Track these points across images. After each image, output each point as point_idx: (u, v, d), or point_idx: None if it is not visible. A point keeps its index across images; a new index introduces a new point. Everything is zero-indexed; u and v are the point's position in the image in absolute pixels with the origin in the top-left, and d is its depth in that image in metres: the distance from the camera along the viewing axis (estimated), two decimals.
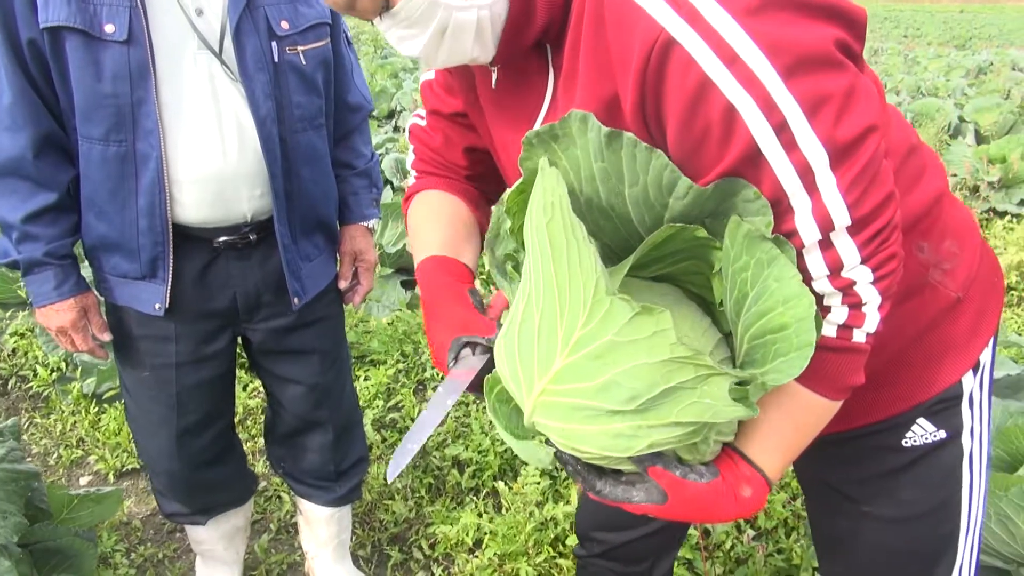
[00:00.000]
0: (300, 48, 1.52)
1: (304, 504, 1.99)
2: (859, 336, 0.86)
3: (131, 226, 1.49)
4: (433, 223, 1.15)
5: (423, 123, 1.20)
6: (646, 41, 0.77)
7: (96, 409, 2.91)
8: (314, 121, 1.60)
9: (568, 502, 2.20)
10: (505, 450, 2.50)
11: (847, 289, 0.83)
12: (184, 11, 1.42)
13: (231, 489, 1.91)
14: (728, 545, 2.17)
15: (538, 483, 2.25)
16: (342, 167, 1.76)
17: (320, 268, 1.71)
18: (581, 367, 0.77)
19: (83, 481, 2.67)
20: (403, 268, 3.72)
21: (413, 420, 2.73)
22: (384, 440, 2.66)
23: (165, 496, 1.86)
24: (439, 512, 2.31)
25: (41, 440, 2.84)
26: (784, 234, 0.80)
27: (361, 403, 2.78)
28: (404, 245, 3.63)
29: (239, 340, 1.77)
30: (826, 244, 0.81)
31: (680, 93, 0.77)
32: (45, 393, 3.08)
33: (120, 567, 2.14)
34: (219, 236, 1.55)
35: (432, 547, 2.23)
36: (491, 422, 2.60)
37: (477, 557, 2.12)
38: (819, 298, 0.83)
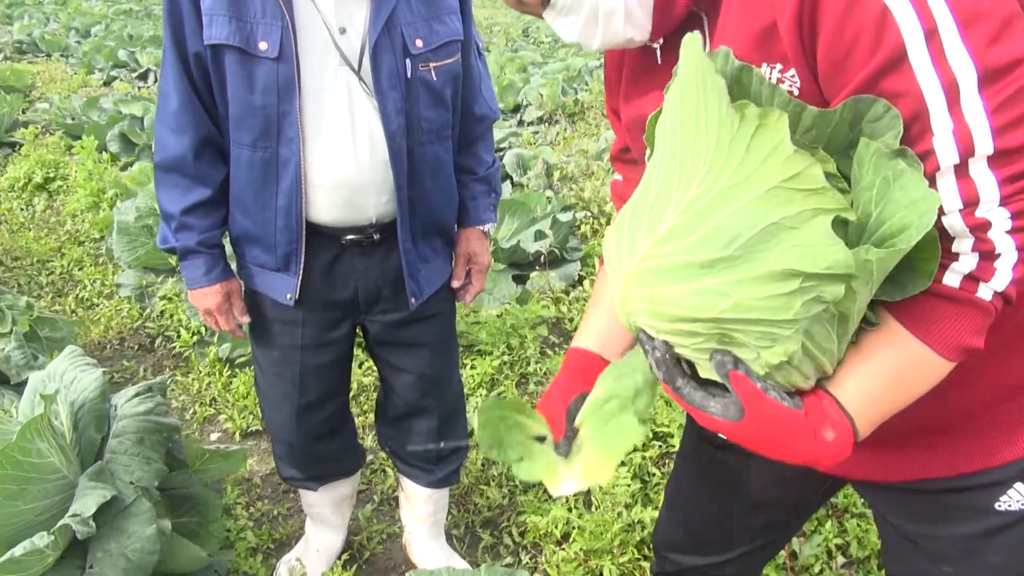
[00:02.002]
0: (432, 65, 1.63)
1: (406, 482, 2.14)
2: (985, 292, 0.80)
3: (270, 223, 1.65)
4: (600, 304, 1.16)
5: (620, 178, 1.26)
6: None
7: (228, 372, 3.19)
8: (441, 133, 1.71)
9: (656, 507, 2.26)
10: None
11: (980, 231, 0.78)
12: (329, 31, 1.56)
13: (341, 461, 2.09)
14: (817, 569, 2.17)
15: (628, 485, 2.32)
16: (464, 172, 1.87)
17: (436, 269, 1.84)
18: (688, 224, 0.76)
19: (213, 437, 2.95)
20: (515, 263, 3.84)
21: None
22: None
23: (284, 461, 2.06)
24: (531, 502, 2.42)
25: (180, 396, 3.15)
26: (919, 155, 0.76)
27: (465, 391, 2.93)
28: (518, 241, 3.74)
29: (358, 329, 1.93)
30: (963, 172, 0.76)
31: (835, 2, 0.78)
32: (186, 354, 3.40)
33: (240, 518, 2.37)
34: (347, 235, 1.69)
35: (522, 535, 2.35)
36: None
37: (564, 550, 2.21)
38: (947, 243, 0.79)
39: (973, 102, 0.74)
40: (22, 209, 5.14)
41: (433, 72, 1.63)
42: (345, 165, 1.60)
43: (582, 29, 0.95)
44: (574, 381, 1.05)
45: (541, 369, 3.13)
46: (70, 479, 1.84)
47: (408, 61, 1.59)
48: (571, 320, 3.53)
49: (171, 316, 3.63)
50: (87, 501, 1.73)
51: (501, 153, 5.39)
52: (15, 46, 11.63)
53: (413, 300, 1.77)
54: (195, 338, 3.38)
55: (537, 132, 6.78)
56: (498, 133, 5.88)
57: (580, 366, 1.08)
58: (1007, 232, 0.77)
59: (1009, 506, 1.03)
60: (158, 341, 3.56)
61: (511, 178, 5.00)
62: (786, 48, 0.83)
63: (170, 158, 1.64)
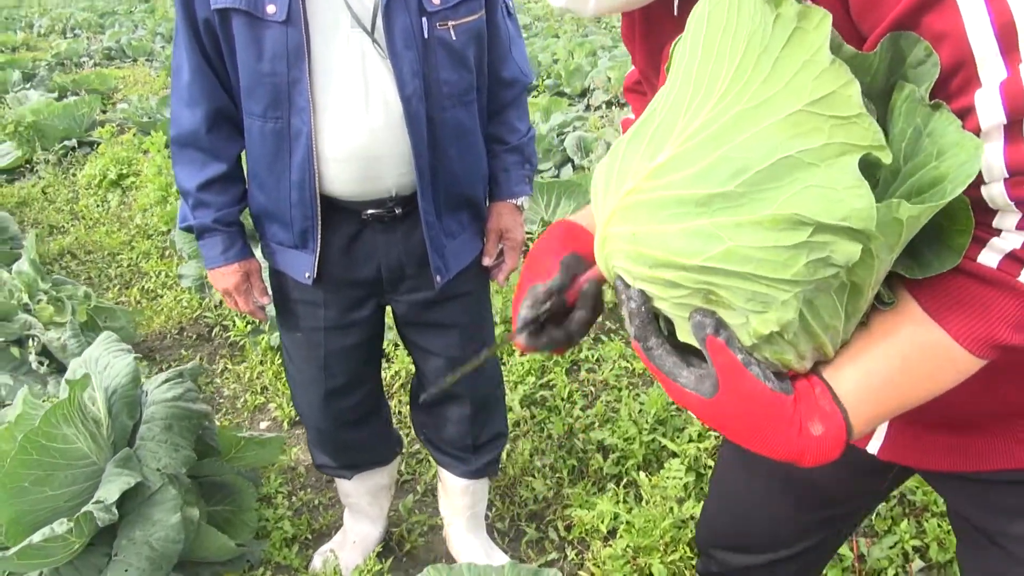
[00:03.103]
0: (451, 23, 1.52)
1: (443, 472, 2.05)
2: None
3: (285, 198, 1.58)
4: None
5: (633, 116, 1.13)
6: None
7: (279, 361, 3.17)
8: (464, 97, 1.60)
9: None
10: (652, 440, 2.42)
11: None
12: None
13: (374, 450, 2.01)
14: (891, 573, 1.98)
15: (681, 478, 2.17)
16: (495, 142, 1.76)
17: (464, 245, 1.73)
18: (691, 153, 0.64)
19: (263, 425, 2.93)
20: None
21: (564, 400, 2.73)
22: (533, 417, 2.67)
23: (316, 448, 1.99)
24: (578, 495, 2.29)
25: (232, 384, 3.15)
26: (960, 111, 0.63)
27: (513, 379, 2.82)
28: None
29: (387, 310, 1.84)
30: (1013, 134, 0.62)
31: None
32: (241, 342, 3.40)
33: (280, 507, 2.32)
34: (366, 209, 1.60)
35: (568, 529, 2.22)
36: (640, 409, 2.54)
37: (611, 546, 2.08)
38: (987, 216, 0.66)
39: None
40: (97, 205, 5.30)
41: (452, 31, 1.52)
42: (358, 135, 1.51)
43: None
44: (565, 240, 0.90)
45: (593, 356, 2.99)
46: (100, 465, 1.82)
47: (424, 20, 1.49)
48: None
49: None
50: (111, 488, 1.70)
51: (563, 136, 5.25)
52: (104, 52, 12.13)
53: (438, 278, 1.66)
54: (249, 327, 3.38)
55: (604, 116, 6.61)
56: (564, 117, 5.74)
57: (568, 230, 0.93)
58: None
59: None
60: (215, 330, 3.58)
61: (572, 161, 4.86)
62: None
63: (184, 132, 1.59)
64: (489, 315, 1.92)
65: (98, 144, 6.30)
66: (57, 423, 1.70)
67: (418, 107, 1.51)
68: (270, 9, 1.44)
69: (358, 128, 1.51)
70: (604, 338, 3.15)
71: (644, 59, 0.97)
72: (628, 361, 2.97)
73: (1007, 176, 0.63)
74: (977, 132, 0.62)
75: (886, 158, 0.61)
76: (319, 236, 1.60)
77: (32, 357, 2.83)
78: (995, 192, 0.64)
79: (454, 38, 1.53)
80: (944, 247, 0.66)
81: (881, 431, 0.99)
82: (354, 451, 1.96)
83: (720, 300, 0.66)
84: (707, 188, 0.62)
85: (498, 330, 3.01)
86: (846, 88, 0.58)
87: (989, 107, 0.61)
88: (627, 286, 0.72)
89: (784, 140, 0.60)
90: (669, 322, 0.74)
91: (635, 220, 0.67)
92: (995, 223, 0.66)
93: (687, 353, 0.73)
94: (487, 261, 1.80)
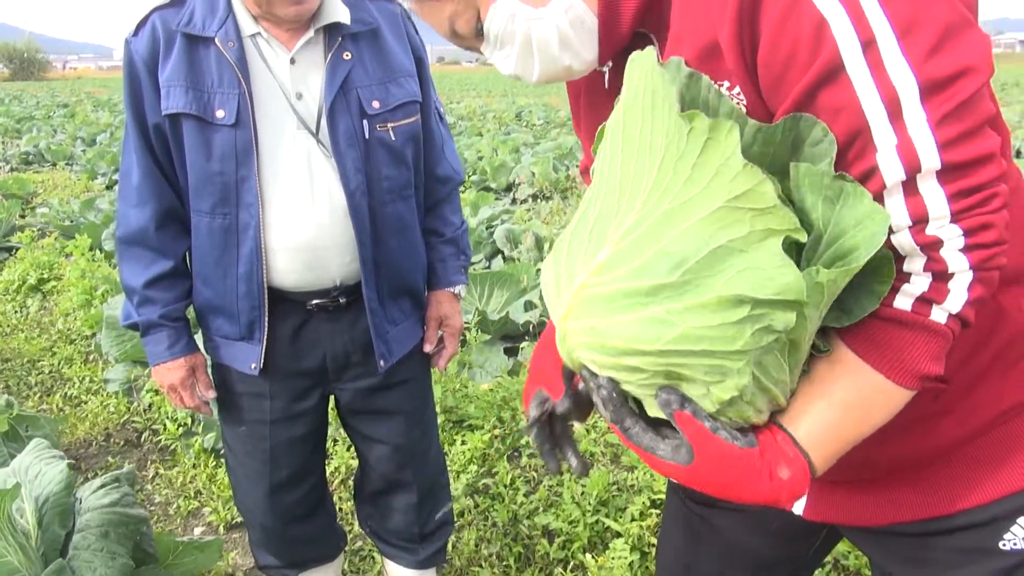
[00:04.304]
0: (390, 125, 1.63)
1: (390, 565, 2.03)
2: (938, 315, 0.75)
3: (232, 291, 1.61)
4: None
5: None
6: None
7: (214, 463, 3.08)
8: (403, 192, 1.69)
9: None
10: (596, 521, 2.45)
11: (931, 250, 0.73)
12: (286, 96, 1.55)
13: (321, 544, 1.98)
14: None
15: (626, 558, 2.19)
16: (431, 235, 1.84)
17: (406, 332, 1.79)
18: (630, 249, 0.71)
19: (197, 531, 2.82)
20: (506, 335, 3.79)
21: (507, 487, 2.74)
22: (477, 506, 2.67)
23: (260, 548, 1.95)
24: None
25: (163, 490, 3.04)
26: (864, 173, 0.73)
27: (455, 468, 2.82)
28: (508, 312, 3.70)
29: (330, 400, 1.86)
30: (911, 188, 0.72)
31: (773, 10, 0.74)
32: (172, 446, 3.30)
33: None
34: (311, 299, 1.65)
35: None
36: (583, 492, 2.57)
37: None
38: (898, 263, 0.75)
39: (916, 115, 0.70)
40: (16, 312, 5.13)
41: (392, 132, 1.62)
42: (305, 227, 1.57)
43: (518, 61, 0.92)
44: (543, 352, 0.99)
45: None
46: None
47: (365, 122, 1.59)
48: None
49: (158, 409, 3.55)
50: None
51: (492, 229, 5.41)
52: (21, 157, 11.95)
53: (382, 363, 1.71)
54: (180, 430, 3.30)
55: (530, 209, 6.84)
56: (491, 210, 5.92)
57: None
58: (959, 250, 0.73)
59: (1015, 544, 0.93)
60: (144, 435, 3.47)
61: (502, 253, 5.01)
62: (729, 64, 0.80)
63: (132, 231, 1.62)
64: (431, 401, 1.95)
65: (17, 249, 6.14)
66: None
67: (361, 201, 1.59)
68: (219, 113, 1.51)
69: (304, 221, 1.57)
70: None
71: (588, 137, 1.07)
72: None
73: (911, 224, 0.73)
74: (882, 189, 0.72)
75: (802, 237, 0.71)
76: (266, 326, 1.63)
77: None
78: (903, 240, 0.74)
79: (393, 138, 1.63)
80: (866, 293, 0.76)
81: (803, 496, 1.04)
82: (300, 547, 1.93)
83: (682, 376, 0.74)
84: (652, 280, 0.71)
85: (439, 420, 3.02)
86: (761, 186, 0.69)
87: (890, 167, 0.71)
88: (594, 375, 0.78)
89: (713, 232, 0.69)
90: (637, 400, 0.81)
91: (592, 314, 0.74)
92: (905, 267, 0.75)
93: (659, 425, 0.80)
94: (428, 348, 1.86)
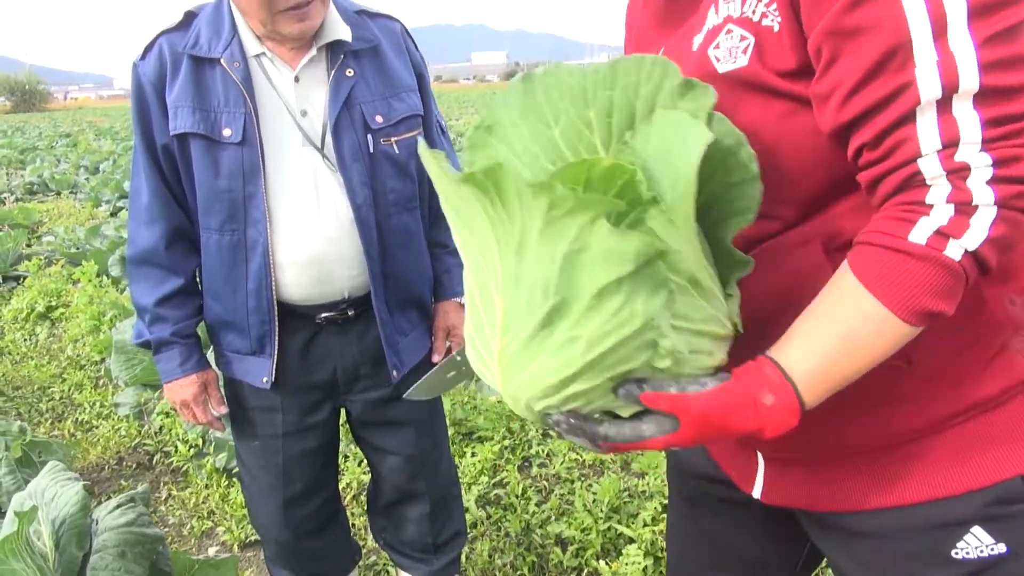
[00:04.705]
0: (393, 139, 1.65)
1: None
2: (954, 250, 0.72)
3: (242, 306, 1.63)
4: None
5: None
6: None
7: (226, 483, 3.10)
8: (408, 204, 1.71)
9: None
10: (608, 528, 2.45)
11: (958, 177, 0.71)
12: (291, 114, 1.58)
13: (335, 558, 1.99)
14: None
15: (640, 563, 2.20)
16: (436, 246, 1.86)
17: (415, 342, 1.80)
18: (512, 301, 0.74)
19: (211, 551, 2.83)
20: None
21: (518, 497, 2.75)
22: (489, 517, 2.68)
23: (274, 563, 1.96)
24: None
25: (177, 511, 3.05)
26: (897, 88, 0.71)
27: (466, 480, 2.83)
28: None
29: (341, 413, 1.87)
30: (944, 108, 0.71)
31: None
32: (184, 467, 3.32)
33: None
34: (321, 312, 1.67)
35: None
36: (594, 499, 2.58)
37: None
38: (920, 192, 0.73)
39: (961, 34, 0.69)
40: (25, 339, 5.17)
41: (395, 145, 1.65)
42: (312, 241, 1.59)
43: None
44: None
45: (543, 451, 3.03)
46: None
47: (369, 136, 1.61)
48: None
49: (169, 431, 3.57)
50: None
51: None
52: (26, 187, 12.04)
53: (395, 372, 1.72)
54: (192, 451, 3.32)
55: None
56: None
57: None
58: (987, 182, 0.71)
59: (967, 554, 0.88)
60: (156, 458, 3.49)
61: None
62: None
63: (141, 250, 1.65)
64: (441, 411, 1.97)
65: (24, 278, 6.19)
66: (6, 558, 1.65)
67: (368, 214, 1.61)
68: (226, 132, 1.54)
69: (312, 235, 1.59)
70: (552, 433, 3.20)
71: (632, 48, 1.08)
72: (578, 453, 3.02)
73: (940, 147, 0.71)
74: (915, 105, 0.71)
75: (622, 205, 0.72)
76: (276, 341, 1.65)
77: None
78: (930, 164, 0.72)
79: (397, 152, 1.66)
80: (735, 184, 0.79)
81: (760, 476, 1.03)
82: (315, 561, 1.94)
83: (622, 371, 0.76)
84: (539, 313, 0.73)
85: (449, 431, 3.04)
86: (556, 189, 0.68)
87: (927, 84, 0.70)
88: (551, 415, 0.79)
89: (552, 248, 0.70)
90: (611, 412, 0.82)
91: (520, 369, 0.77)
92: (928, 197, 0.73)
93: (637, 417, 0.80)
94: (436, 358, 1.87)
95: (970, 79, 0.69)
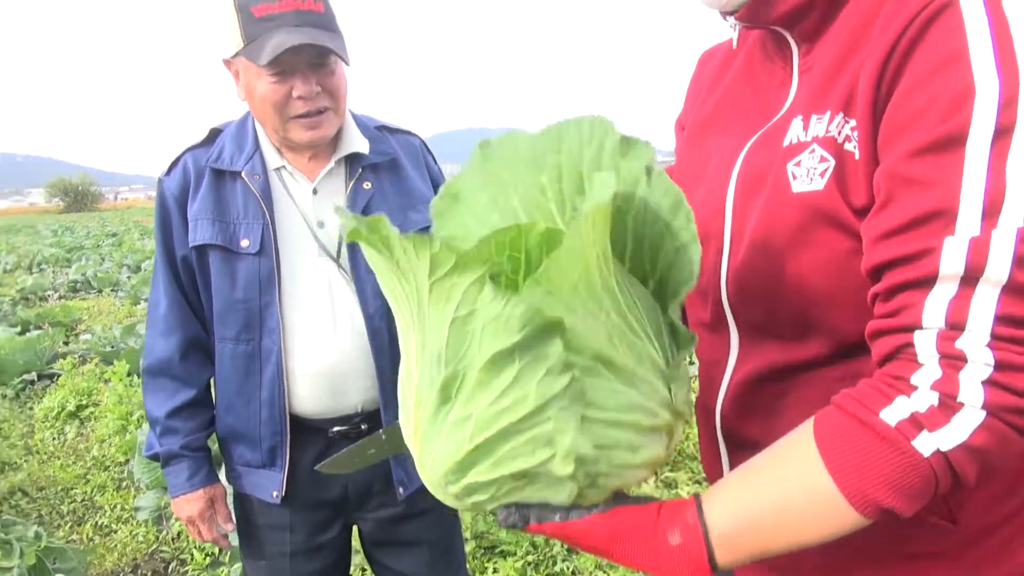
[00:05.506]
0: None
1: None
2: (924, 443, 0.64)
3: (254, 417, 1.60)
4: None
5: None
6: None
7: None
8: None
9: None
10: None
11: (951, 366, 0.65)
12: (308, 225, 1.59)
13: None
14: None
15: None
16: None
17: None
18: (421, 375, 0.70)
19: None
20: None
21: None
22: None
23: None
24: None
25: None
26: (921, 251, 0.66)
27: None
28: None
29: (354, 530, 1.80)
30: (966, 288, 0.64)
31: (928, 58, 0.67)
32: None
33: None
34: (333, 427, 1.63)
35: None
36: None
37: None
38: (909, 368, 0.67)
39: (1010, 221, 0.63)
40: (54, 438, 5.17)
41: None
42: (328, 352, 1.57)
43: None
44: None
45: (569, 568, 2.88)
46: None
47: None
48: None
49: (186, 538, 3.49)
50: None
51: None
52: (70, 285, 12.37)
53: (401, 490, 1.66)
54: (208, 559, 3.23)
55: None
56: None
57: None
58: (981, 381, 0.64)
59: None
60: (172, 566, 3.40)
61: None
62: (859, 98, 0.73)
63: (157, 361, 1.64)
64: (458, 530, 1.88)
65: (58, 376, 6.26)
66: None
67: (380, 324, 1.59)
68: (244, 243, 1.55)
69: (327, 347, 1.57)
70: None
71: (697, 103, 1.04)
72: (604, 571, 2.87)
73: (942, 326, 0.65)
74: (932, 275, 0.65)
75: (500, 267, 0.69)
76: (287, 453, 1.61)
77: None
78: (926, 341, 0.66)
79: None
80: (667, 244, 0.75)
81: None
82: None
83: (518, 468, 0.68)
84: (436, 384, 0.68)
85: (469, 547, 2.92)
86: (435, 257, 0.65)
87: (953, 256, 0.64)
88: (491, 510, 0.73)
89: (440, 316, 0.67)
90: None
91: (429, 450, 0.72)
92: (914, 377, 0.66)
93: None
94: None
95: (1000, 268, 0.63)
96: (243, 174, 1.57)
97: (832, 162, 0.75)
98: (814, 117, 0.79)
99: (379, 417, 1.63)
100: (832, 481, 0.66)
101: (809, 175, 0.77)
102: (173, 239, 1.60)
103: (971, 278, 0.64)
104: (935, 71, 0.67)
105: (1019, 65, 0.64)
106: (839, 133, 0.75)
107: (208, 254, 1.57)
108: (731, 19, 0.88)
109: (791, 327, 0.81)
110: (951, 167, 0.65)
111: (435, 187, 1.73)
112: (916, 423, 0.65)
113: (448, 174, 1.81)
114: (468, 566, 2.88)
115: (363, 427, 1.64)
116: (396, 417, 1.64)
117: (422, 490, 1.69)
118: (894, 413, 0.66)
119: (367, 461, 1.11)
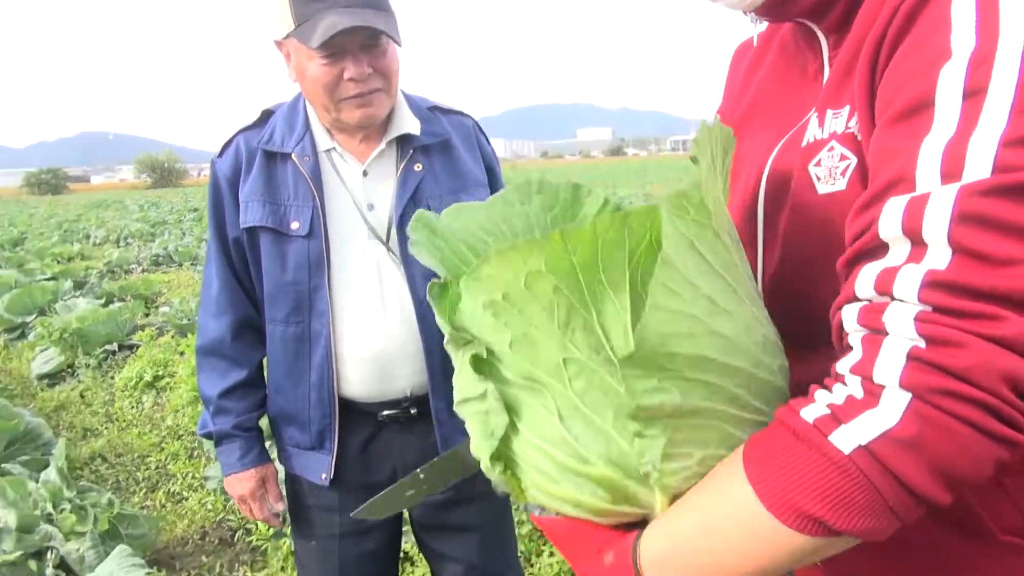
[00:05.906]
0: None
1: None
2: (843, 439, 0.54)
3: (303, 399, 1.60)
4: None
5: None
6: None
7: None
8: None
9: None
10: None
11: (871, 341, 0.56)
12: (358, 207, 1.57)
13: None
14: None
15: None
16: None
17: None
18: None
19: None
20: None
21: None
22: None
23: None
24: None
25: None
26: (873, 220, 0.59)
27: None
28: None
29: (404, 515, 1.79)
30: (897, 251, 0.57)
31: (914, 39, 0.63)
32: (263, 547, 3.30)
33: None
34: (383, 410, 1.61)
35: None
36: None
37: None
38: (845, 352, 0.59)
39: (962, 181, 0.55)
40: (132, 407, 5.39)
41: None
42: (376, 337, 1.55)
43: None
44: None
45: None
46: None
47: None
48: None
49: None
50: None
51: None
52: (152, 259, 12.86)
53: None
54: (271, 530, 3.30)
55: None
56: None
57: None
58: (903, 358, 0.53)
59: None
60: (238, 535, 3.50)
61: None
62: (856, 82, 0.68)
63: (209, 341, 1.65)
64: (510, 516, 1.85)
65: (138, 347, 6.51)
66: None
67: (429, 309, 1.56)
68: (294, 225, 1.54)
69: (375, 331, 1.55)
70: None
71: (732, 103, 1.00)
72: None
73: (870, 298, 0.58)
74: (874, 241, 0.59)
75: (478, 348, 0.72)
76: (336, 436, 1.60)
77: (49, 571, 2.76)
78: (848, 316, 0.59)
79: None
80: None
81: None
82: None
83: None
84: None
85: (524, 529, 2.90)
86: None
87: (891, 218, 0.57)
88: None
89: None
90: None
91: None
92: (840, 364, 0.58)
93: None
94: None
95: (936, 226, 0.54)
96: (293, 156, 1.56)
97: (853, 160, 0.69)
98: (830, 112, 0.73)
99: (428, 402, 1.61)
100: (753, 492, 0.57)
101: (832, 175, 0.71)
102: (225, 221, 1.61)
103: (909, 240, 0.56)
104: (919, 46, 0.62)
105: (1000, 27, 0.57)
106: (858, 129, 0.69)
107: (259, 236, 1.57)
108: (752, 14, 0.82)
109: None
110: (917, 134, 0.58)
111: (488, 169, 1.69)
112: (834, 416, 0.56)
113: (501, 152, 1.76)
114: (522, 547, 2.87)
115: (412, 411, 1.62)
116: (446, 403, 1.62)
117: (473, 476, 1.68)
118: (813, 408, 0.58)
119: (406, 503, 1.08)
